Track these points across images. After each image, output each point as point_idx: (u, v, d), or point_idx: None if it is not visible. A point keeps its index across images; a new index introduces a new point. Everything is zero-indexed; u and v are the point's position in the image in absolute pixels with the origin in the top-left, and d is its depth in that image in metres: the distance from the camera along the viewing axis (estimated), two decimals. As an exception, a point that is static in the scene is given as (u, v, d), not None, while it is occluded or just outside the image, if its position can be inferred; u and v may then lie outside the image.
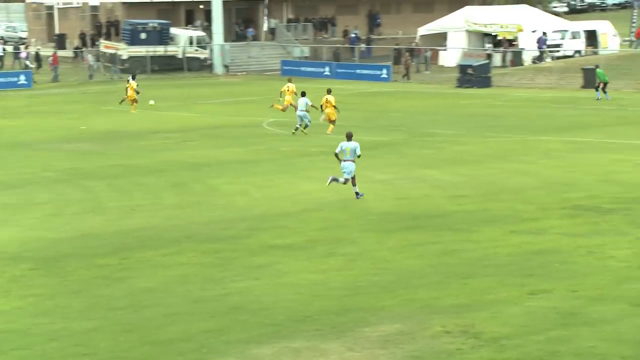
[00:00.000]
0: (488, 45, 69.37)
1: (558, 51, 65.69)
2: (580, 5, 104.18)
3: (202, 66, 73.24)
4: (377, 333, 14.87)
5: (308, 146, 35.24)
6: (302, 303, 16.46)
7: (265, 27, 79.10)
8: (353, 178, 25.29)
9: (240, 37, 79.71)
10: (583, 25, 70.59)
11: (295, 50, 76.18)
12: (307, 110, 38.18)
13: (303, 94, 38.79)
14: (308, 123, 38.45)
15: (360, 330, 15.04)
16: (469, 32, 70.38)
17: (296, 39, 77.68)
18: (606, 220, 21.94)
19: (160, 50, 71.50)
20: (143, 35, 71.59)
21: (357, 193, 25.40)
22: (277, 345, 14.47)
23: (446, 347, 14.20)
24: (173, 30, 73.42)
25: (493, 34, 69.69)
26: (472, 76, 58.00)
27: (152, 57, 70.81)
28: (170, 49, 72.21)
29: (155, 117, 46.76)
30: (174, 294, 17.20)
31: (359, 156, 25.43)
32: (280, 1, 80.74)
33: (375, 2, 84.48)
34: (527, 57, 65.78)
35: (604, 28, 68.83)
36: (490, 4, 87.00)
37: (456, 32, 70.72)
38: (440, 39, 71.49)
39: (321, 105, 38.32)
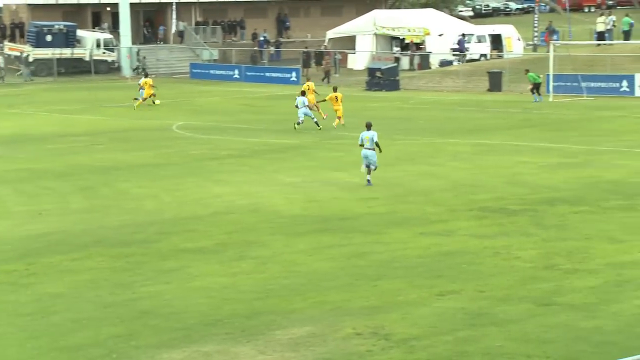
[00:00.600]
0: (396, 49, 69.99)
1: (464, 54, 66.54)
2: (485, 10, 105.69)
3: (110, 69, 72.50)
4: (288, 336, 14.92)
5: (217, 149, 35.15)
6: (212, 307, 16.43)
7: (173, 29, 78.62)
8: (368, 167, 27.35)
9: (148, 40, 79.11)
10: (488, 29, 71.65)
11: (204, 53, 75.87)
12: (309, 107, 40.42)
13: (303, 93, 41.14)
14: (300, 122, 39.83)
15: (271, 333, 15.08)
16: (377, 35, 70.91)
17: (205, 42, 77.39)
18: (512, 222, 22.32)
19: (66, 52, 70.51)
20: (49, 38, 70.53)
21: (368, 180, 27.22)
22: (187, 349, 14.42)
23: (357, 348, 14.31)
24: (80, 33, 72.47)
25: (401, 37, 70.33)
26: (381, 79, 58.42)
27: (58, 59, 69.78)
28: (77, 52, 71.27)
29: (62, 120, 46.14)
30: (83, 299, 17.01)
31: (377, 144, 27.19)
32: (188, 4, 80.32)
33: (284, 6, 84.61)
34: (435, 61, 66.52)
35: (509, 32, 69.96)
36: (398, 7, 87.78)
37: (364, 35, 71.18)
38: (349, 42, 71.90)
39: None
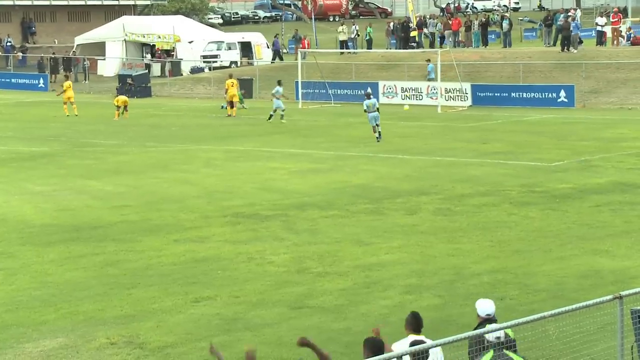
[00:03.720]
0: (147, 56, 69.52)
1: (215, 62, 66.89)
2: (234, 17, 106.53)
3: None
4: (39, 348, 14.59)
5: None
6: (-42, 322, 15.82)
7: None
8: (378, 125, 36.17)
9: None
10: (238, 36, 72.32)
11: (-57, 59, 72.73)
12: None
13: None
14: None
15: (21, 346, 14.69)
16: (127, 42, 70.18)
17: (-56, 47, 74.20)
18: (265, 227, 22.67)
19: None
20: None
21: (379, 134, 36.19)
22: None
23: (111, 359, 14.17)
24: None
25: (151, 44, 69.93)
26: (132, 86, 57.91)
27: None
28: None
29: None
30: None
31: (377, 109, 36.02)
32: None
33: (29, 10, 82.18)
34: (186, 68, 66.51)
35: (258, 39, 70.90)
36: (147, 14, 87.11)
37: (114, 41, 70.28)
38: (99, 48, 70.79)
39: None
